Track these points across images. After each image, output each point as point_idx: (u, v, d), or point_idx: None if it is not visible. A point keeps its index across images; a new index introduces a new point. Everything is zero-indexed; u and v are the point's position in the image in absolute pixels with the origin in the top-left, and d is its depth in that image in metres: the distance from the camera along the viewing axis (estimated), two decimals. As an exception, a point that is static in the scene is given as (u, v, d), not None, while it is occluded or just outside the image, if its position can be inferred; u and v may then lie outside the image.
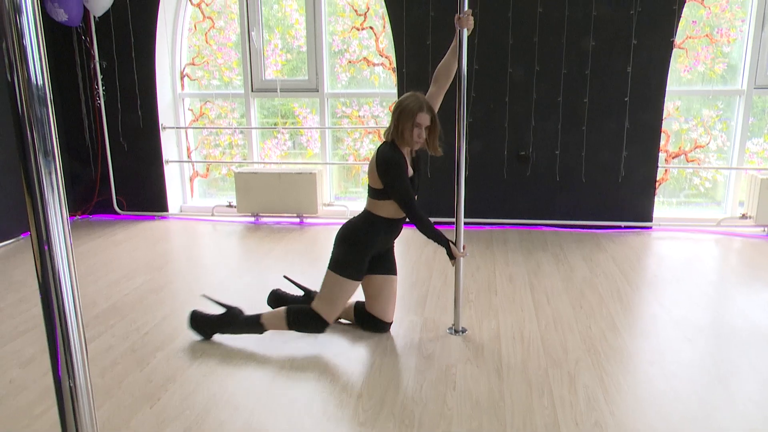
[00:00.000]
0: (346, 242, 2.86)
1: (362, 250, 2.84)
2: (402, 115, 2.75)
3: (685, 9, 4.52)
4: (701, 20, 4.76)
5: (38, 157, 0.82)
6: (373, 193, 2.85)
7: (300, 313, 2.84)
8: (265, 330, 2.87)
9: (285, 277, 3.25)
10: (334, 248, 2.91)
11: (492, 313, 3.22)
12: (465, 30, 2.76)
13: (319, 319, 2.82)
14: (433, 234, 2.81)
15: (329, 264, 2.88)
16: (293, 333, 2.92)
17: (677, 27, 4.53)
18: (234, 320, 2.88)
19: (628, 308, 3.27)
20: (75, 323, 0.89)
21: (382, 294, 2.96)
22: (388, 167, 2.74)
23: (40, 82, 0.81)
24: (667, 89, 4.64)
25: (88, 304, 3.37)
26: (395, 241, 3.04)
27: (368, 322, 3.01)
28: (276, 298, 3.20)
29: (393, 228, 2.91)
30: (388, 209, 2.85)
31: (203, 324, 2.91)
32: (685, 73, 4.86)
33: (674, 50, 4.62)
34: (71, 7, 4.73)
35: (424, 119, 2.76)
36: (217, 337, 2.92)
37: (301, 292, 3.22)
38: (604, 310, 3.23)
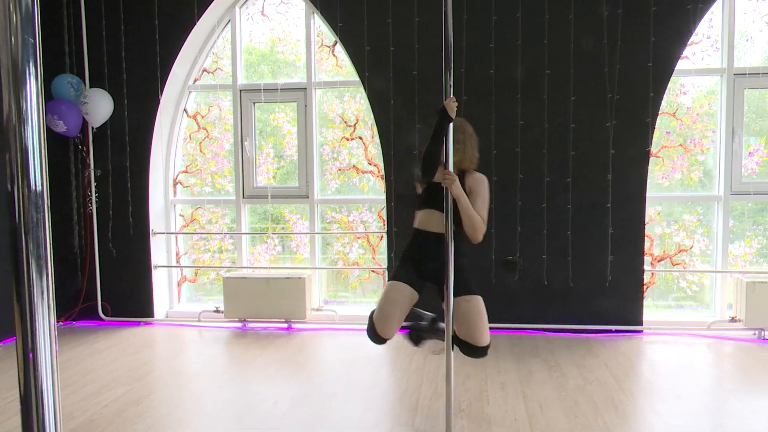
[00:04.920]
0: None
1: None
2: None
3: (658, 120, 4.77)
4: (674, 131, 5.01)
5: (30, 263, 0.82)
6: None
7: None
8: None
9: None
10: None
11: (485, 424, 3.11)
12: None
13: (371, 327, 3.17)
14: (430, 141, 3.10)
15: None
16: None
17: (652, 137, 4.75)
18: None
19: (624, 417, 3.18)
20: (54, 437, 0.85)
21: (457, 317, 3.05)
22: None
23: (39, 189, 0.83)
24: (647, 195, 4.79)
25: (65, 417, 3.22)
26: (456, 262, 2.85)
27: (460, 346, 3.15)
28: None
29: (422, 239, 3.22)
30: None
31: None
32: (662, 180, 5.04)
33: (651, 159, 4.82)
34: (70, 119, 4.91)
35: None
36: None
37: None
38: (600, 420, 3.13)
